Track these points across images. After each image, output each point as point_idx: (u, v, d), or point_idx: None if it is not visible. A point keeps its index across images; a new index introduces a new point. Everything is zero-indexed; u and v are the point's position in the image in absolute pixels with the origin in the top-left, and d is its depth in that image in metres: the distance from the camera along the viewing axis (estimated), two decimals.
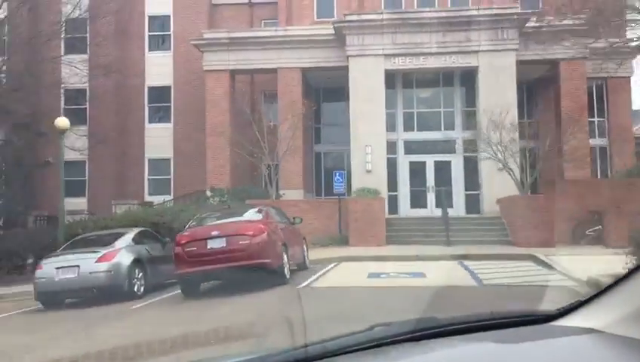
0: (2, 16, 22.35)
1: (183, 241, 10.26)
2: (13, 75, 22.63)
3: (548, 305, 2.68)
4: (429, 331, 1.74)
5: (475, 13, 21.19)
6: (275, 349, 1.77)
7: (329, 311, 8.05)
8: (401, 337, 1.70)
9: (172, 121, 25.51)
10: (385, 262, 13.73)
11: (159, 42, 26.06)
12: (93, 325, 8.85)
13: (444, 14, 21.52)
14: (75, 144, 24.71)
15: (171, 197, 24.70)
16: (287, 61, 22.58)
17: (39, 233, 20.24)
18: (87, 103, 25.24)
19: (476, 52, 21.03)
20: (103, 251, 11.17)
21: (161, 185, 25.21)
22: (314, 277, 11.65)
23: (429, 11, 21.83)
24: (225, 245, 10.07)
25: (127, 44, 25.26)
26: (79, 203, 24.80)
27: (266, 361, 1.63)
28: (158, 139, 25.29)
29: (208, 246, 10.10)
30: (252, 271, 9.96)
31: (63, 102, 25.45)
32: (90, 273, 10.85)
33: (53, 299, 11.03)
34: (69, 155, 25.55)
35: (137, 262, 11.48)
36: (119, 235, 12.09)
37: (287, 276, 10.77)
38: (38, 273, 11.05)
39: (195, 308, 9.61)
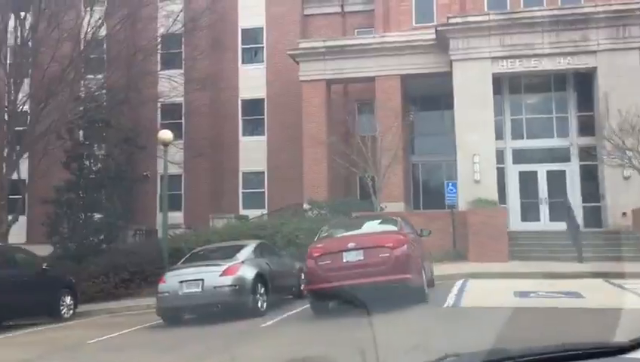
0: (102, 33, 22.77)
1: (317, 254, 9.45)
2: (114, 91, 22.98)
3: None
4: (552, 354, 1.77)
5: (592, 10, 19.61)
6: None
7: (499, 335, 6.94)
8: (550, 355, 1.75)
9: (266, 133, 25.17)
10: (521, 280, 12.44)
11: (252, 55, 25.89)
12: (233, 343, 8.17)
13: (556, 12, 20.06)
14: (172, 158, 24.83)
15: (265, 210, 24.27)
16: (386, 68, 21.74)
17: (141, 247, 20.14)
18: (183, 117, 25.30)
19: (594, 52, 19.42)
20: (226, 264, 10.56)
21: (255, 198, 24.85)
22: (451, 295, 10.58)
23: (540, 10, 20.43)
24: (362, 258, 9.21)
25: (221, 58, 25.22)
26: (175, 217, 24.74)
27: None
28: (252, 152, 25.00)
29: (344, 260, 9.27)
30: (388, 288, 9.03)
31: (159, 117, 25.66)
32: (215, 287, 10.25)
33: (176, 314, 10.48)
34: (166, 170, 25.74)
35: (260, 276, 10.81)
36: (239, 248, 11.48)
37: (426, 293, 9.77)
38: (162, 286, 10.53)
39: (332, 327, 8.77)
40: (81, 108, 22.09)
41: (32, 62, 20.75)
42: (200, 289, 10.26)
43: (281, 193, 24.03)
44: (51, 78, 20.24)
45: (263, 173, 24.98)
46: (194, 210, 24.70)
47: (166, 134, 18.80)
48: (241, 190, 25.06)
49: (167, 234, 23.35)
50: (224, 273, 10.35)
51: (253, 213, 23.81)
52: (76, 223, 22.48)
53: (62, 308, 13.88)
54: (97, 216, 22.98)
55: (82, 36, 21.72)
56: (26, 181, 21.95)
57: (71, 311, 14.11)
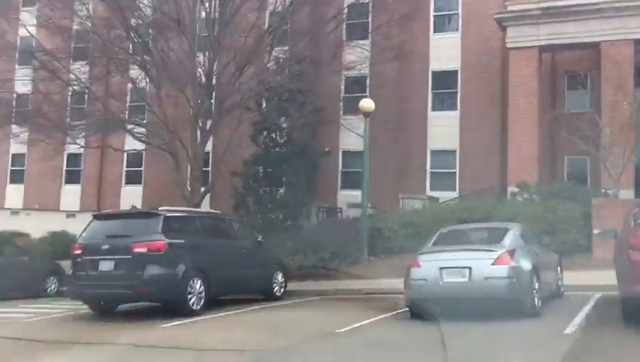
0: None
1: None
2: (300, 62, 21.98)
3: None
4: None
5: None
6: None
7: None
8: None
9: (458, 108, 22.92)
10: None
11: (445, 22, 23.67)
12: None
13: None
14: (352, 134, 23.53)
15: (456, 192, 22.14)
16: (615, 32, 18.50)
17: (334, 226, 18.92)
18: (367, 90, 23.80)
19: None
20: (496, 251, 8.65)
21: (444, 179, 22.78)
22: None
23: None
24: None
25: (411, 27, 23.25)
26: (357, 196, 23.43)
27: None
28: (442, 129, 22.90)
29: None
30: None
31: (343, 90, 24.41)
32: (486, 278, 8.42)
33: (431, 307, 8.77)
34: (348, 145, 24.53)
35: (535, 268, 8.80)
36: (500, 231, 9.52)
37: None
38: (417, 272, 8.87)
39: None
40: (269, 80, 21.39)
41: (225, 35, 20.24)
42: (467, 280, 8.48)
43: (474, 174, 21.75)
44: (244, 51, 19.63)
45: (454, 151, 22.79)
46: (377, 189, 23.14)
47: (368, 103, 17.37)
48: (428, 169, 23.09)
49: (350, 214, 22.31)
50: (496, 261, 8.47)
51: (442, 195, 21.81)
52: (261, 197, 21.91)
53: (274, 285, 12.90)
54: (281, 190, 22.31)
55: (272, 7, 20.94)
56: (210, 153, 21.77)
57: (282, 290, 13.11)
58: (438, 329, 7.75)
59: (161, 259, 10.13)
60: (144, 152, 27.05)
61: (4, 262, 15.09)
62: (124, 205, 27.49)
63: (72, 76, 20.61)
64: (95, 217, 11.43)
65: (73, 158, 28.53)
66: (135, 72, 20.91)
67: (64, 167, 28.73)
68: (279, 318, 10.31)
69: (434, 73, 23.39)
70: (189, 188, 19.68)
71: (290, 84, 22.04)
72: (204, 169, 21.06)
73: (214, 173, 21.51)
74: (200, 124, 19.88)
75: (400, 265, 15.81)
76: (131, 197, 27.25)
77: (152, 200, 26.54)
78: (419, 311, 8.95)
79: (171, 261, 10.25)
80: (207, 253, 11.02)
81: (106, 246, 10.31)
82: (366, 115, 17.34)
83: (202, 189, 19.97)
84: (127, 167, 27.81)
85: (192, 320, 9.94)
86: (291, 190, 21.85)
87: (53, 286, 15.86)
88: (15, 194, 29.37)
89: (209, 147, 22.01)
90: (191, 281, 10.38)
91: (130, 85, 21.82)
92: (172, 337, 8.63)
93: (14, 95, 23.26)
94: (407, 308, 9.34)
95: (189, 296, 10.31)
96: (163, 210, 10.89)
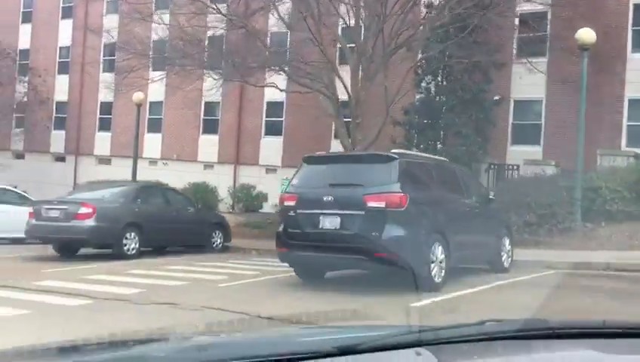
0: None
1: None
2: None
3: None
4: (538, 332, 1.76)
5: None
6: (392, 329, 1.83)
7: None
8: (510, 334, 1.73)
9: None
10: None
11: None
12: None
13: None
14: (524, 81, 20.33)
15: None
16: None
17: (533, 186, 15.95)
18: (548, 28, 20.34)
19: None
20: None
21: None
22: None
23: None
24: None
25: None
26: (532, 151, 20.37)
27: (381, 339, 1.67)
28: None
29: None
30: None
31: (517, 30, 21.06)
32: None
33: None
34: (521, 93, 21.39)
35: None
36: None
37: None
38: None
39: None
40: (439, 17, 18.53)
41: None
42: None
43: None
44: None
45: None
46: (558, 143, 19.93)
47: (588, 34, 14.15)
48: (625, 122, 19.51)
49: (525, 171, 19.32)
50: None
51: None
52: (426, 150, 19.36)
53: (502, 254, 10.45)
54: (446, 143, 19.67)
55: None
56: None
57: (509, 261, 10.61)
58: None
59: (402, 217, 7.92)
60: (285, 102, 25.40)
61: (174, 213, 13.64)
62: (264, 157, 26.06)
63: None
64: (307, 161, 9.33)
65: (210, 108, 27.35)
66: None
67: (201, 116, 27.63)
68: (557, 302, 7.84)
69: (636, 6, 19.51)
70: (349, 138, 17.53)
71: (460, 22, 19.10)
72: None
73: (380, 121, 19.10)
74: (362, 65, 17.50)
75: (632, 234, 12.90)
76: (270, 148, 25.75)
77: (293, 152, 24.88)
78: None
79: (413, 220, 8.03)
80: (445, 212, 8.72)
81: (328, 198, 8.23)
82: (583, 47, 14.18)
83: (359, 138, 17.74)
84: (266, 117, 26.19)
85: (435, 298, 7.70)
86: (461, 143, 19.14)
87: (219, 241, 14.34)
88: (153, 144, 28.76)
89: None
90: (433, 247, 8.14)
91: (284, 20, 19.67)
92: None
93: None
94: None
95: (432, 266, 8.08)
96: (397, 153, 8.63)
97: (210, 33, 19.68)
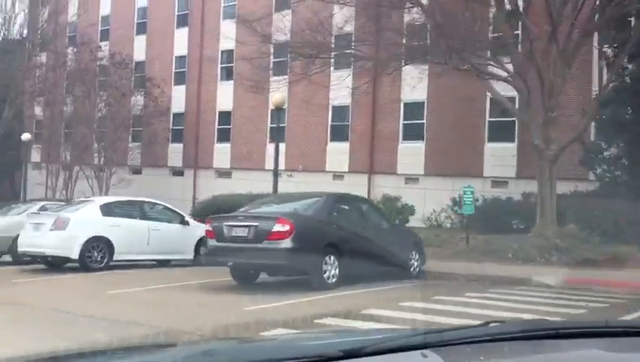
0: None
1: None
2: None
3: None
4: (542, 332, 1.80)
5: None
6: (397, 332, 1.91)
7: None
8: (515, 335, 1.76)
9: None
10: None
11: None
12: None
13: None
14: None
15: None
16: None
17: None
18: None
19: None
20: None
21: None
22: None
23: None
24: None
25: None
26: None
27: (386, 341, 1.67)
28: None
29: None
30: None
31: None
32: None
33: None
34: None
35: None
36: None
37: None
38: None
39: None
40: None
41: None
42: None
43: None
44: None
45: None
46: None
47: None
48: None
49: None
50: None
51: None
52: (629, 149, 16.21)
53: None
54: None
55: None
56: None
57: None
58: None
59: None
60: (425, 102, 22.97)
61: (372, 231, 11.08)
62: (400, 165, 23.62)
63: None
64: None
65: (339, 112, 25.25)
66: None
67: (329, 123, 25.55)
68: None
69: None
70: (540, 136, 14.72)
71: None
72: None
73: (584, 116, 15.94)
74: (558, 47, 14.63)
75: None
76: (409, 155, 23.26)
77: (437, 159, 22.28)
78: None
79: None
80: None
81: None
82: None
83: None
84: (404, 119, 23.73)
85: None
86: None
87: (415, 264, 11.83)
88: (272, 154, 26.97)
89: None
90: None
91: None
92: None
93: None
94: None
95: None
96: None
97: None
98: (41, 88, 28.12)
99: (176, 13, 30.06)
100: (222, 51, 28.43)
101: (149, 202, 14.32)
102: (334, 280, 10.07)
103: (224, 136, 28.36)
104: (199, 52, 28.90)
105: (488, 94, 18.18)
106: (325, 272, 9.98)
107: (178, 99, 29.46)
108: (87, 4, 30.71)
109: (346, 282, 10.42)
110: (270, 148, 26.94)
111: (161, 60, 29.59)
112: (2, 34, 30.27)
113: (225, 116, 28.34)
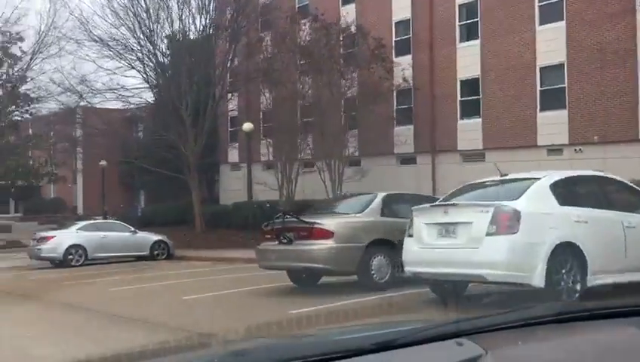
0: None
1: None
2: None
3: None
4: (576, 314, 1.79)
5: None
6: (430, 321, 1.84)
7: None
8: (549, 319, 1.74)
9: None
10: None
11: None
12: None
13: None
14: None
15: None
16: None
17: None
18: None
19: None
20: None
21: None
22: None
23: None
24: None
25: None
26: None
27: (419, 331, 1.67)
28: None
29: None
30: None
31: None
32: None
33: None
34: None
35: None
36: None
37: None
38: None
39: None
40: None
41: None
42: None
43: None
44: None
45: None
46: None
47: None
48: None
49: None
50: None
51: None
52: None
53: None
54: None
55: None
56: None
57: None
58: None
59: None
60: None
61: None
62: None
63: None
64: None
65: None
66: None
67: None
68: None
69: None
70: None
71: None
72: None
73: None
74: None
75: None
76: None
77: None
78: None
79: None
80: None
81: None
82: None
83: None
84: None
85: None
86: None
87: None
88: (552, 126, 21.06)
89: None
90: None
91: None
92: None
93: None
94: None
95: None
96: None
97: None
98: (265, 69, 23.92)
99: None
100: (460, 5, 23.02)
101: (609, 179, 8.80)
102: None
103: (471, 109, 22.85)
104: (428, 11, 23.65)
105: None
106: None
107: (401, 71, 24.29)
108: None
109: None
110: (543, 117, 21.16)
111: (378, 29, 24.46)
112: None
113: (470, 85, 22.83)
